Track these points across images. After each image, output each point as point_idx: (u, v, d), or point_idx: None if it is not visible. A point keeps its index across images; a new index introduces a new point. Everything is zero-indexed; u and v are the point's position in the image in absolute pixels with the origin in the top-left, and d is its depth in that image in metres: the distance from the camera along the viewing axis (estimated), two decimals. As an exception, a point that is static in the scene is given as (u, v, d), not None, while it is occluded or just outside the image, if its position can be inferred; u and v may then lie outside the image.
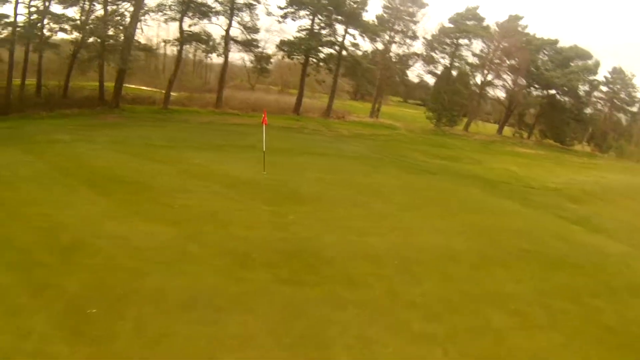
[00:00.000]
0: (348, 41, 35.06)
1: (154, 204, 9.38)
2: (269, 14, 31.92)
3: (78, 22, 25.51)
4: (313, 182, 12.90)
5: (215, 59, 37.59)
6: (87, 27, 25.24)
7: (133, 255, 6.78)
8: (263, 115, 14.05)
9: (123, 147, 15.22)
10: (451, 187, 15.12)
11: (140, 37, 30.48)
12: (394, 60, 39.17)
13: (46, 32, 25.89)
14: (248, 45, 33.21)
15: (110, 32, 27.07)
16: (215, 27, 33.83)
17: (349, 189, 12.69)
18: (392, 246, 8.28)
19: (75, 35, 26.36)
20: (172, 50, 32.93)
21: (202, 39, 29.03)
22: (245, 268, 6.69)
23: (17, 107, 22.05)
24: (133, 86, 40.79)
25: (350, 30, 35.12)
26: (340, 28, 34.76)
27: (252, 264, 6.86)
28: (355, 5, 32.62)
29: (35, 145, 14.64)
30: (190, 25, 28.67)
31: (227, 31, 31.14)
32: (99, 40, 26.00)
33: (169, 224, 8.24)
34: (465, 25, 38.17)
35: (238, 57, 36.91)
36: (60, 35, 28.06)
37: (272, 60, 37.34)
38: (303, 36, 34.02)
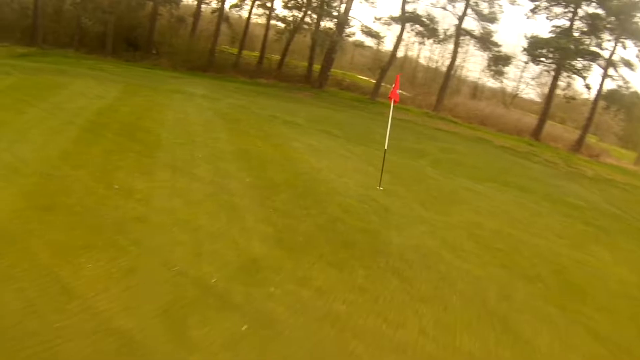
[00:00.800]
0: (619, 56, 24.35)
1: (99, 174, 5.76)
2: (512, 2, 24.63)
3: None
4: (445, 229, 6.71)
5: (471, 76, 33.23)
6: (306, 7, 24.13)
7: None
8: (393, 87, 8.39)
9: (233, 112, 12.48)
10: None
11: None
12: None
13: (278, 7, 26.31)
14: (484, 41, 26.77)
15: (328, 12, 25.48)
16: (447, 16, 28.67)
17: (504, 261, 5.96)
18: None
19: (294, 13, 25.88)
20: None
21: (423, 22, 24.34)
22: None
23: (217, 68, 22.78)
24: (364, 77, 39.66)
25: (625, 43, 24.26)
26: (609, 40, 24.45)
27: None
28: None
29: (149, 90, 13.52)
30: (408, 2, 24.43)
31: (460, 19, 25.53)
32: (315, 17, 24.72)
33: (36, 209, 4.43)
34: None
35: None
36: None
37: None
38: (555, 36, 25.33)
